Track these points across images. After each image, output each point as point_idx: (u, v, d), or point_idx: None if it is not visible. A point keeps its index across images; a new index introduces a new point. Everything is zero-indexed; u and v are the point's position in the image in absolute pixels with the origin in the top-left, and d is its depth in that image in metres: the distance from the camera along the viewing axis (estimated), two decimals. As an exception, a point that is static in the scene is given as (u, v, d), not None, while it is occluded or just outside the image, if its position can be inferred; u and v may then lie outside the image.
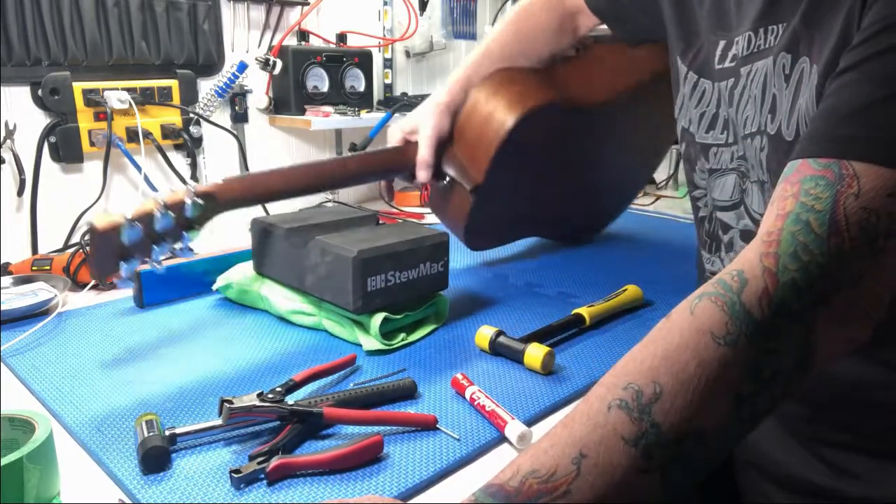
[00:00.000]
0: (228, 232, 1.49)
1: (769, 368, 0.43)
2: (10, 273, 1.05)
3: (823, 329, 0.44)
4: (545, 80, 1.02)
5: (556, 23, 1.04)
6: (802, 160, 0.49)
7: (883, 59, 0.47)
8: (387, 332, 0.85)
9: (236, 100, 1.48)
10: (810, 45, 0.56)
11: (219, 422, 0.63)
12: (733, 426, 0.43)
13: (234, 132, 1.49)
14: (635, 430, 0.41)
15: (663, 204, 1.71)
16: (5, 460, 0.50)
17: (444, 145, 0.99)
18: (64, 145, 1.24)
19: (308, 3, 1.55)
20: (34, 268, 1.06)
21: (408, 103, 1.66)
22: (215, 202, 0.79)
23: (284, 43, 1.51)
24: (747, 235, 0.70)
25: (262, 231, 0.93)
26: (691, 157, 0.78)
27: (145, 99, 1.32)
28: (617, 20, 0.98)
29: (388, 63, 1.79)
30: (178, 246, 0.77)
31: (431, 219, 1.43)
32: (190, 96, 1.39)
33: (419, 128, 0.99)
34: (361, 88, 1.61)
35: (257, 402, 0.63)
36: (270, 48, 1.51)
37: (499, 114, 0.95)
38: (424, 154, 0.97)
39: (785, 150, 0.59)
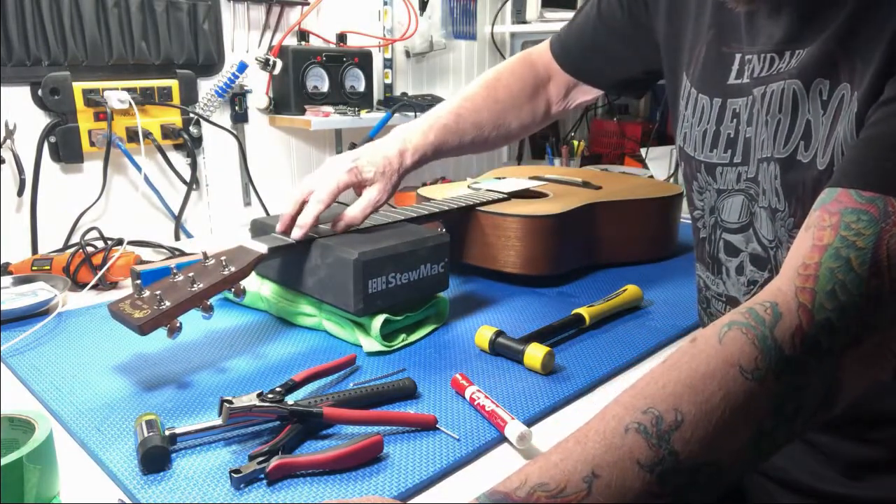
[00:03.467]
0: (228, 232, 1.49)
1: (793, 404, 0.43)
2: (10, 273, 1.05)
3: (851, 369, 0.43)
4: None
5: (529, 91, 1.00)
6: (843, 189, 0.47)
7: None
8: (387, 334, 0.85)
9: (236, 100, 1.49)
10: (851, 72, 0.54)
11: (219, 422, 0.63)
12: (750, 457, 0.43)
13: (234, 132, 1.49)
14: (652, 456, 0.41)
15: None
16: (5, 460, 0.50)
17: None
18: (64, 145, 1.24)
19: (308, 3, 1.55)
20: (34, 268, 1.06)
21: (408, 103, 1.66)
22: None
23: (284, 43, 1.51)
24: (757, 260, 0.68)
25: (263, 232, 0.93)
26: (688, 176, 0.77)
27: (145, 99, 1.32)
28: (591, 72, 0.97)
29: (388, 63, 1.79)
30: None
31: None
32: (190, 96, 1.40)
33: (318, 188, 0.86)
34: (361, 88, 1.61)
35: (257, 402, 0.63)
36: (270, 48, 1.51)
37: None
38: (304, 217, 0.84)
39: (815, 177, 0.56)
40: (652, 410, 0.42)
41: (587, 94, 1.02)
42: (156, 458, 0.59)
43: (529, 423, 0.68)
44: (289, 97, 1.51)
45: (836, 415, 0.45)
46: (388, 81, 1.80)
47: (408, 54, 1.85)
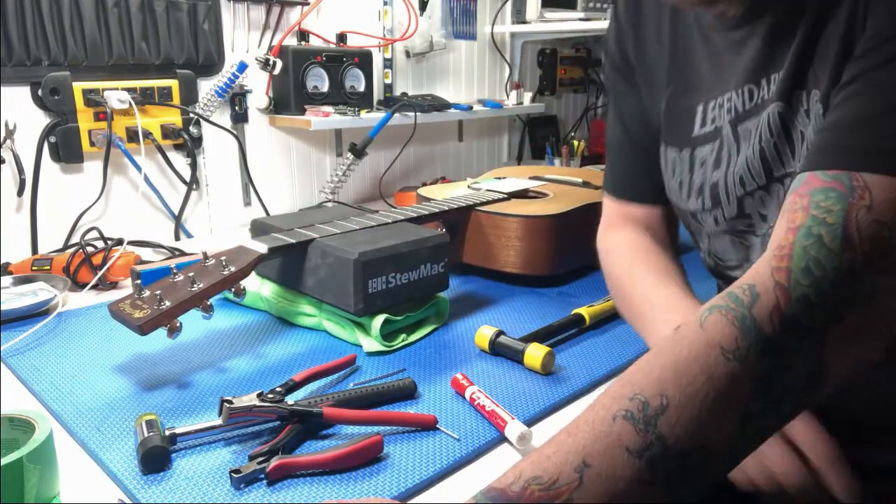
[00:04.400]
0: (228, 232, 1.49)
1: (778, 385, 0.43)
2: (10, 273, 1.05)
3: (835, 347, 0.43)
4: None
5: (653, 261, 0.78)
6: (810, 172, 0.48)
7: (888, 68, 0.46)
8: (387, 334, 0.85)
9: (236, 100, 1.48)
10: (815, 78, 0.55)
11: (219, 422, 0.63)
12: (739, 442, 0.43)
13: (234, 132, 1.49)
14: (640, 442, 0.41)
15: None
16: (5, 460, 0.50)
17: None
18: (64, 145, 1.24)
19: (308, 3, 1.55)
20: (34, 268, 1.06)
21: (408, 103, 1.66)
22: None
23: (284, 43, 1.51)
24: None
25: (263, 232, 0.93)
26: (684, 223, 0.78)
27: (145, 99, 1.32)
28: (647, 188, 0.82)
29: (388, 63, 1.79)
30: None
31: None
32: (190, 96, 1.39)
33: None
34: (361, 88, 1.61)
35: (257, 402, 0.63)
36: (270, 48, 1.51)
37: None
38: None
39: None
40: (638, 397, 0.42)
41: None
42: (156, 458, 0.59)
43: (529, 423, 0.68)
44: (289, 97, 1.51)
45: (824, 398, 0.45)
46: (388, 81, 1.80)
47: (408, 54, 1.84)
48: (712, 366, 0.42)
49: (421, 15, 1.81)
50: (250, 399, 0.64)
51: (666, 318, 0.67)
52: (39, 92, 1.20)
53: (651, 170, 0.78)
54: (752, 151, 0.62)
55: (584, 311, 0.90)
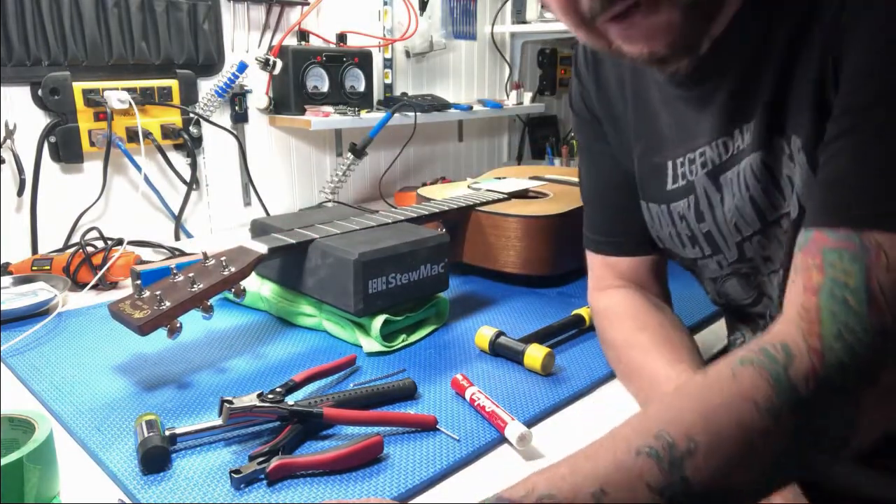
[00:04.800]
0: (228, 232, 1.49)
1: (808, 441, 0.44)
2: (10, 273, 1.05)
3: (869, 407, 0.44)
4: None
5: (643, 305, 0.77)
6: (816, 230, 0.48)
7: (879, 111, 0.46)
8: (387, 334, 0.85)
9: (236, 100, 1.48)
10: (794, 124, 0.55)
11: (219, 422, 0.63)
12: (763, 487, 0.44)
13: (234, 132, 1.49)
14: (663, 480, 0.41)
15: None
16: (5, 460, 0.50)
17: None
18: (64, 145, 1.24)
19: (308, 3, 1.55)
20: (34, 268, 1.06)
21: (408, 103, 1.66)
22: None
23: (284, 43, 1.51)
24: None
25: (263, 232, 0.93)
26: (683, 266, 0.77)
27: (145, 99, 1.32)
28: (630, 240, 0.80)
29: (388, 63, 1.79)
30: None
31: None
32: (190, 96, 1.39)
33: None
34: (361, 88, 1.61)
35: (257, 403, 0.63)
36: (270, 48, 1.51)
37: None
38: None
39: (795, 222, 0.57)
40: (664, 436, 0.43)
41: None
42: (156, 459, 0.59)
43: (529, 423, 0.68)
44: (289, 97, 1.51)
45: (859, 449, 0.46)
46: (388, 81, 1.80)
47: (408, 54, 1.84)
48: (745, 419, 0.43)
49: (421, 15, 1.81)
50: (250, 399, 0.64)
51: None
52: (39, 92, 1.20)
53: (631, 220, 0.77)
54: (741, 199, 0.62)
55: (584, 311, 0.90)
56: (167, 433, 0.62)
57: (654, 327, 0.73)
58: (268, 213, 1.55)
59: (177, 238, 1.42)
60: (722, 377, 0.45)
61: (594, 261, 0.82)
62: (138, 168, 1.33)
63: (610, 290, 0.79)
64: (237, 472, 0.57)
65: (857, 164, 0.47)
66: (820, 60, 0.50)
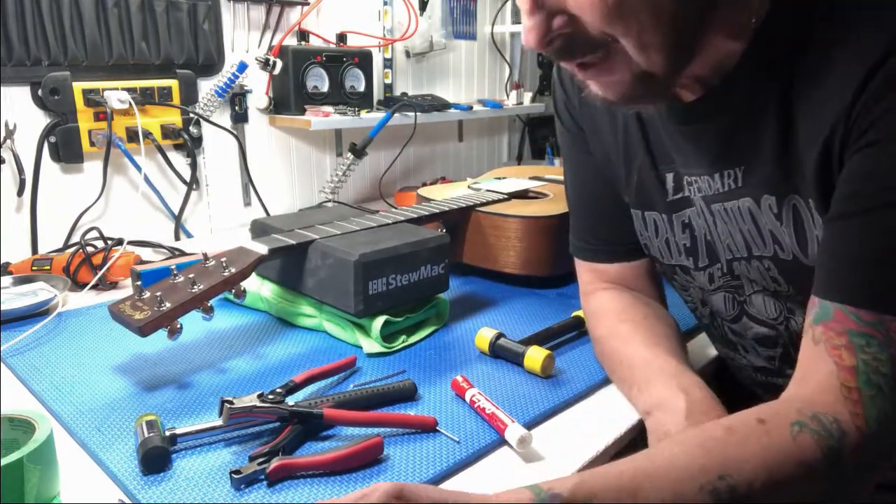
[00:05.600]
0: (228, 232, 1.49)
1: (840, 496, 0.51)
2: (10, 273, 1.05)
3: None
4: None
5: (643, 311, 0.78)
6: (838, 308, 0.51)
7: (888, 196, 0.48)
8: (387, 335, 0.85)
9: (236, 100, 1.48)
10: (797, 185, 0.56)
11: (219, 422, 0.63)
12: None
13: (234, 132, 1.49)
14: None
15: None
16: (5, 460, 0.50)
17: None
18: (64, 145, 1.24)
19: (308, 3, 1.55)
20: (34, 268, 1.06)
21: (408, 103, 1.66)
22: None
23: (284, 43, 1.51)
24: (765, 340, 0.70)
25: (263, 232, 0.93)
26: (667, 275, 0.78)
27: (145, 99, 1.32)
28: (617, 247, 0.81)
29: (388, 63, 1.79)
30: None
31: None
32: (190, 96, 1.39)
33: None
34: (361, 88, 1.61)
35: (257, 403, 0.63)
36: (270, 48, 1.51)
37: None
38: None
39: (809, 271, 0.58)
40: (728, 479, 0.47)
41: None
42: (156, 459, 0.59)
43: (529, 426, 0.68)
44: (289, 97, 1.51)
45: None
46: (388, 81, 1.80)
47: (408, 54, 1.84)
48: (799, 479, 0.48)
49: (421, 15, 1.81)
50: (251, 400, 0.64)
51: (657, 394, 0.67)
52: (39, 92, 1.20)
53: (616, 228, 0.78)
54: (733, 229, 0.64)
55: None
56: (167, 433, 0.62)
57: (636, 319, 0.75)
58: (268, 214, 1.55)
59: (177, 238, 1.42)
60: (782, 437, 0.49)
61: (581, 267, 0.84)
62: (138, 168, 1.33)
63: (598, 292, 0.81)
64: (237, 472, 0.58)
65: (872, 245, 0.50)
66: (827, 134, 0.51)
